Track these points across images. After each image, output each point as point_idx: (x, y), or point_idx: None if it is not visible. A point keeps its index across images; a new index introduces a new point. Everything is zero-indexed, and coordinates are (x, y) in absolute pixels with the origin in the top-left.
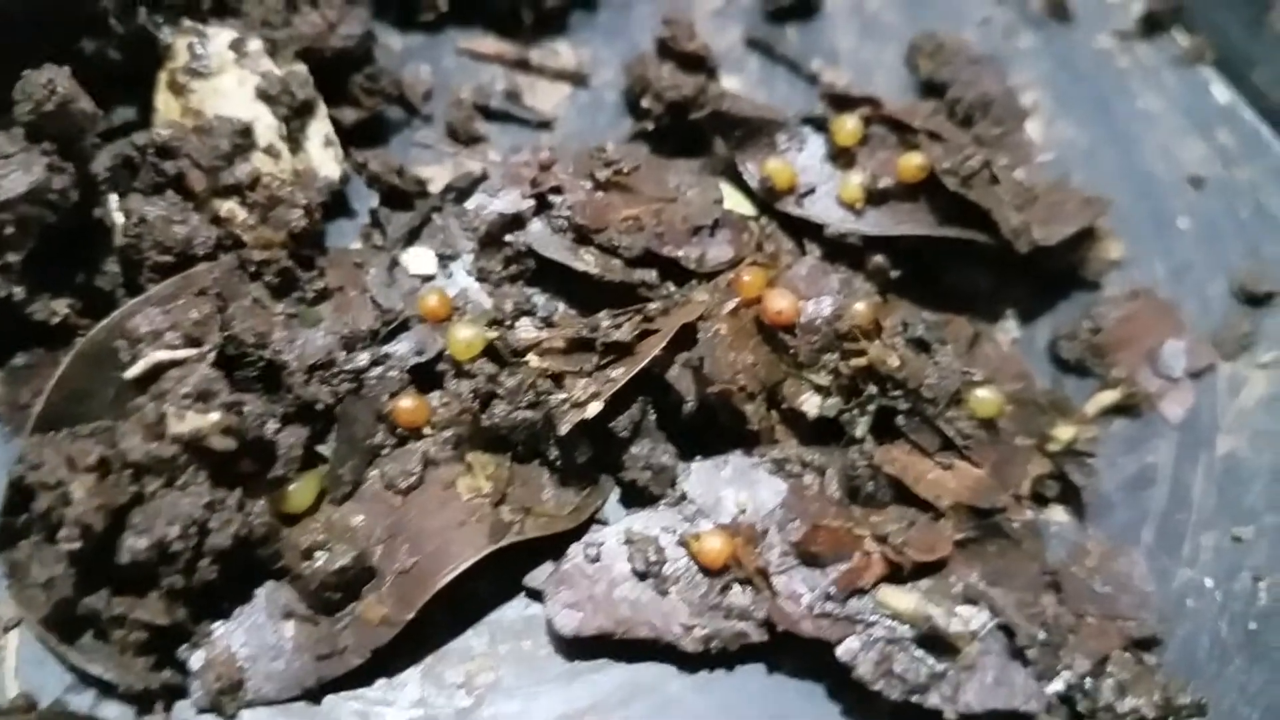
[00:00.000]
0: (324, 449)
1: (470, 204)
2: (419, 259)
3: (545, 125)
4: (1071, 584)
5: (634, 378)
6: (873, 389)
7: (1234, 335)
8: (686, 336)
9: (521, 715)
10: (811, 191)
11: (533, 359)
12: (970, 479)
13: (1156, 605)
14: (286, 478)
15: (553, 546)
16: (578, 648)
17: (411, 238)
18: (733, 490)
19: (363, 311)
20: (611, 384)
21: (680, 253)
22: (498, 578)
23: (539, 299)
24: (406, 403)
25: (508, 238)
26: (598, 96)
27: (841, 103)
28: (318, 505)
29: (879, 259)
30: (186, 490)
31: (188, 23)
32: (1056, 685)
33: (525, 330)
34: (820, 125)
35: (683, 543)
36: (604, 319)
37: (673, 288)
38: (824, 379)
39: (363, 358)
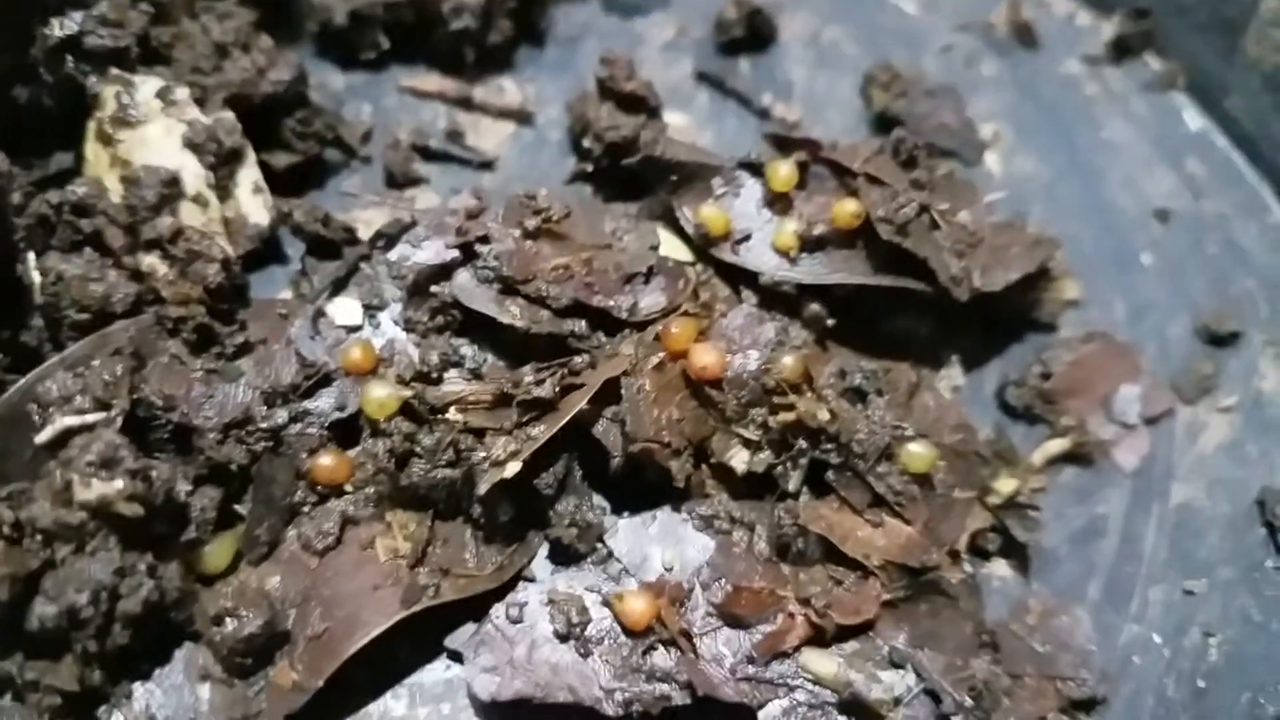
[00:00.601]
0: (243, 508)
1: (394, 254)
2: (344, 310)
3: (487, 165)
4: (1009, 643)
5: (560, 433)
6: (803, 443)
7: (1195, 378)
8: (612, 390)
9: None
10: (747, 238)
11: (453, 414)
12: (900, 536)
13: (1100, 664)
14: (201, 539)
15: (476, 605)
16: (497, 711)
17: (338, 288)
18: (659, 548)
19: (285, 365)
20: (532, 442)
21: (611, 302)
22: (419, 639)
23: (467, 350)
24: (326, 460)
25: (434, 288)
26: (542, 135)
27: (783, 144)
28: (235, 566)
29: (815, 307)
30: (96, 556)
31: (115, 71)
32: None
33: (447, 385)
34: (757, 170)
35: (606, 602)
36: (527, 374)
37: (604, 338)
38: (753, 433)
39: (281, 414)
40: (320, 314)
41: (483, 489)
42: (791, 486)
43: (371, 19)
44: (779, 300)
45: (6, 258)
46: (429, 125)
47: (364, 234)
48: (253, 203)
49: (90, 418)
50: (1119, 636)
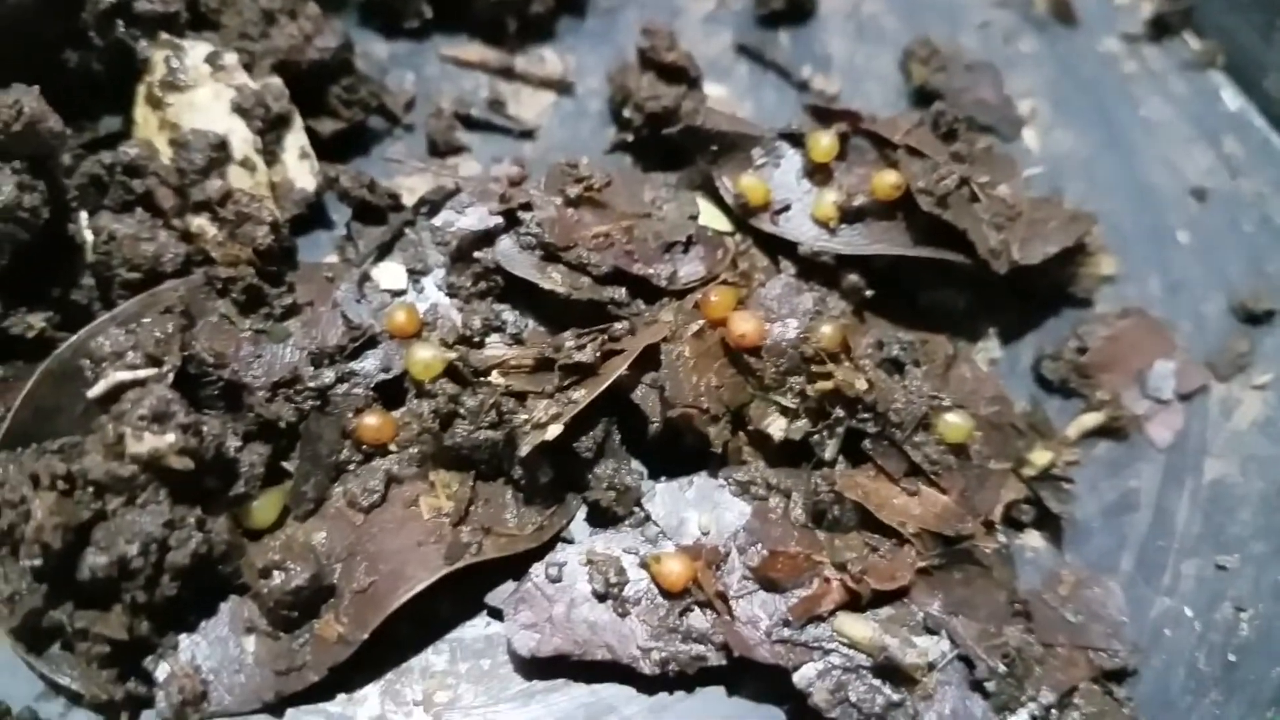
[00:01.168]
0: (290, 465)
1: (438, 220)
2: (389, 274)
3: (528, 135)
4: (1042, 612)
5: (599, 398)
6: (840, 412)
7: (1230, 355)
8: (652, 357)
9: None
10: (787, 208)
11: (495, 378)
12: (936, 505)
13: (1131, 636)
14: (249, 495)
15: (516, 565)
16: (536, 667)
17: (383, 252)
18: (696, 512)
19: (331, 327)
20: (573, 406)
21: (651, 270)
22: (461, 596)
23: (509, 315)
24: (371, 420)
25: (477, 254)
26: (582, 105)
27: (823, 115)
28: (282, 521)
29: (853, 277)
30: (147, 508)
31: (165, 36)
32: (1020, 717)
33: (489, 349)
34: (798, 141)
35: (644, 564)
36: (568, 339)
37: (643, 305)
38: (790, 401)
39: (328, 374)
40: (366, 278)
41: (524, 450)
42: (828, 454)
43: None
44: (817, 270)
45: (58, 216)
46: (471, 94)
47: (408, 200)
48: (299, 168)
49: (142, 373)
50: (1151, 609)
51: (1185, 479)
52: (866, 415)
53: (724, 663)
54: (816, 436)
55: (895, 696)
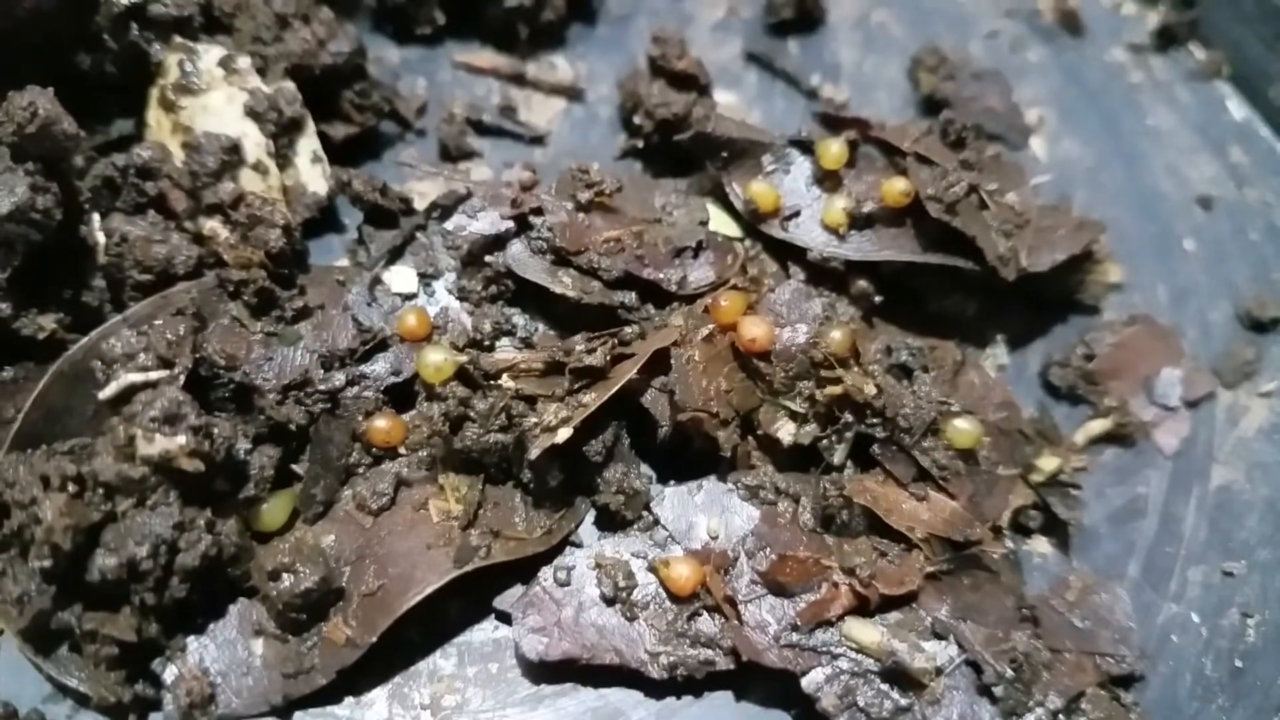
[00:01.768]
0: (300, 467)
1: (450, 224)
2: (400, 277)
3: (539, 140)
4: (1050, 618)
5: (608, 402)
6: (849, 417)
7: (1236, 362)
8: (661, 361)
9: None
10: (796, 214)
11: (505, 381)
12: (944, 510)
13: (1138, 641)
14: (259, 497)
15: (524, 568)
16: (544, 671)
17: (394, 256)
18: (705, 516)
19: (343, 330)
20: (583, 409)
21: (661, 275)
22: (469, 599)
23: (519, 319)
24: (381, 423)
25: (488, 258)
26: (593, 111)
27: (832, 123)
28: (292, 524)
29: (862, 283)
30: (157, 510)
31: (178, 39)
32: None
33: (499, 353)
34: (807, 147)
35: (652, 568)
36: (578, 343)
37: (653, 310)
38: (799, 406)
39: (338, 377)
40: (377, 281)
41: (533, 454)
42: (837, 459)
43: None
44: (827, 276)
45: (71, 218)
46: (482, 100)
47: (419, 204)
48: (311, 172)
49: (154, 374)
50: (1158, 615)
51: (1192, 486)
52: (875, 420)
53: (732, 667)
54: (825, 441)
55: (903, 701)
